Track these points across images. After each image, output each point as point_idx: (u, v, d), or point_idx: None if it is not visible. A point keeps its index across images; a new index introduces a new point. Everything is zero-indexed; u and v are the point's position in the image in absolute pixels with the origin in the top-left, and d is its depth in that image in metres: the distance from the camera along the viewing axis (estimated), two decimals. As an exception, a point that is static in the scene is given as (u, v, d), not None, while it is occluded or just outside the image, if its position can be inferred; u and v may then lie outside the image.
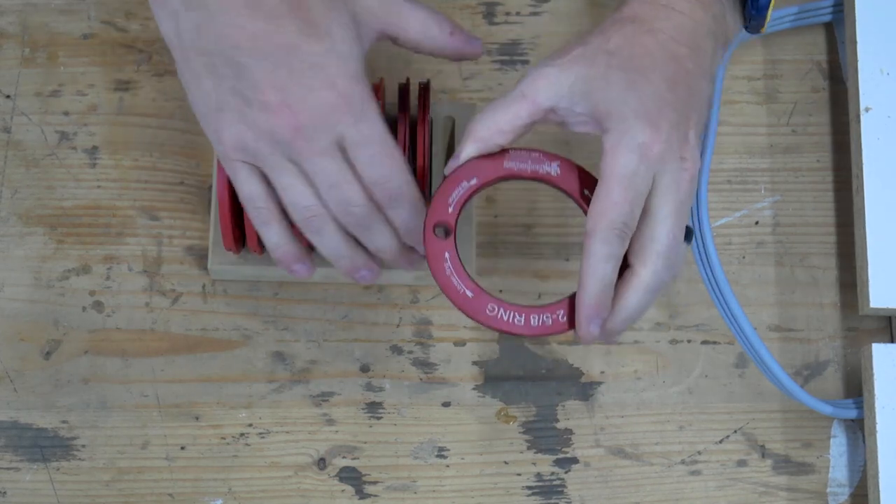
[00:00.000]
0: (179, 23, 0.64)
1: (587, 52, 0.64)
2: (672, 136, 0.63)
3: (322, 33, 0.64)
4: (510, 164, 0.66)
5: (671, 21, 0.66)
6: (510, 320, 0.65)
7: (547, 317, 0.65)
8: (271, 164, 0.65)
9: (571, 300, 0.65)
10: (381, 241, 0.67)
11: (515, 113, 0.64)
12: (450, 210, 0.65)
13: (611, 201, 0.62)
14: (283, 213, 0.67)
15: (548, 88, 0.64)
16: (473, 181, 0.65)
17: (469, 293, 0.65)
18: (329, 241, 0.67)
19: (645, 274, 0.64)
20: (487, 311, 0.65)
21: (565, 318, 0.65)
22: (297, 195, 0.65)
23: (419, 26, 0.67)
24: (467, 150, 0.65)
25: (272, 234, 0.68)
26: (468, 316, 0.65)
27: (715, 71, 0.68)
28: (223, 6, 0.63)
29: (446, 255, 0.65)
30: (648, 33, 0.65)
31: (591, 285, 0.63)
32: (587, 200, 0.65)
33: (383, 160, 0.65)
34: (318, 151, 0.64)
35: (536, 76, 0.65)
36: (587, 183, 0.66)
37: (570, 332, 0.65)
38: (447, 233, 0.65)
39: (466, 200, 0.65)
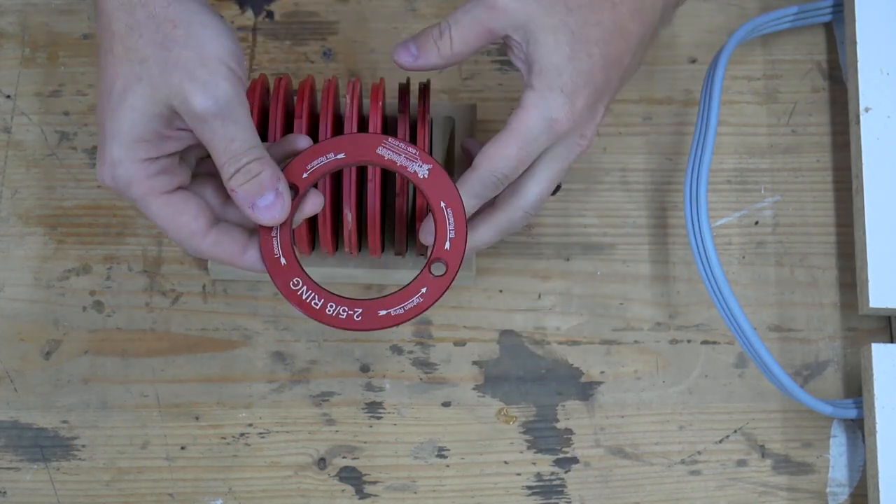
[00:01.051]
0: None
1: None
2: (584, 114, 0.66)
3: (112, 105, 0.61)
4: (382, 152, 0.66)
5: None
6: (308, 300, 0.65)
7: (344, 310, 0.65)
8: None
9: (376, 302, 0.65)
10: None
11: (478, 28, 0.65)
12: (304, 175, 0.65)
13: (504, 153, 0.65)
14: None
15: (511, 13, 0.65)
16: (341, 155, 0.65)
17: (283, 260, 0.65)
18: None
19: (503, 218, 0.69)
20: (291, 285, 0.65)
21: (360, 318, 0.65)
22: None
23: (218, 163, 0.63)
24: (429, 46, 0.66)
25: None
26: (273, 282, 0.64)
27: (657, 34, 0.70)
28: (105, 12, 0.62)
29: None
30: (610, 6, 0.66)
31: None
32: (441, 212, 0.66)
33: (170, 234, 0.65)
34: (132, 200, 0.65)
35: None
36: (449, 196, 0.66)
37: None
38: (293, 195, 0.65)
39: (326, 172, 0.65)
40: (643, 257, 0.80)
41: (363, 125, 0.72)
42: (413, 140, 0.73)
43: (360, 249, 0.75)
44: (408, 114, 0.72)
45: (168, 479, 0.75)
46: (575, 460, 0.76)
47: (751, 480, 0.77)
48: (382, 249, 0.75)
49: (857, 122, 0.80)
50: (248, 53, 0.82)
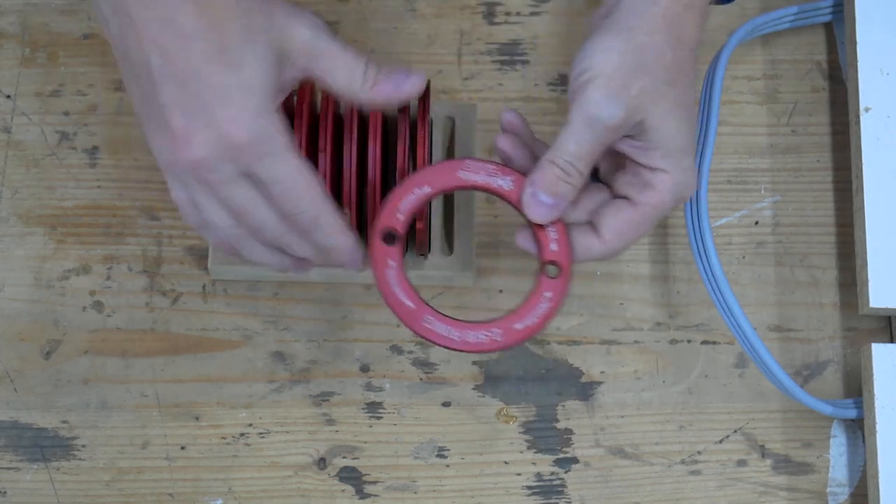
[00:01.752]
0: (110, 27, 0.61)
1: (648, 81, 0.64)
2: (693, 167, 0.66)
3: (232, 61, 0.60)
4: (464, 175, 0.66)
5: (691, 24, 0.65)
6: (446, 334, 0.65)
7: (483, 334, 0.65)
8: (186, 183, 0.62)
9: (508, 319, 0.66)
10: (304, 253, 0.66)
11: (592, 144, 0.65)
12: (399, 217, 0.65)
13: (638, 232, 0.66)
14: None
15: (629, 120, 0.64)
16: (426, 189, 0.66)
17: (409, 303, 0.65)
18: (252, 254, 0.66)
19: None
20: (424, 323, 0.65)
21: (502, 338, 0.65)
22: (212, 216, 0.63)
23: (344, 77, 0.63)
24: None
25: (255, 252, 0.66)
26: (406, 325, 0.65)
27: None
28: (141, 17, 0.59)
29: (390, 262, 0.65)
30: (679, 44, 0.65)
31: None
32: None
33: (292, 193, 0.62)
34: (222, 181, 0.61)
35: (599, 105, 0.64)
36: None
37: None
38: (394, 239, 0.65)
39: (418, 209, 0.66)
40: (643, 257, 0.80)
41: (363, 126, 0.72)
42: (413, 140, 0.73)
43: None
44: (408, 114, 0.72)
45: (168, 479, 0.75)
46: (575, 460, 0.76)
47: (751, 480, 0.77)
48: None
49: (857, 122, 0.80)
50: (248, 53, 0.82)
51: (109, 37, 0.62)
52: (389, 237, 0.65)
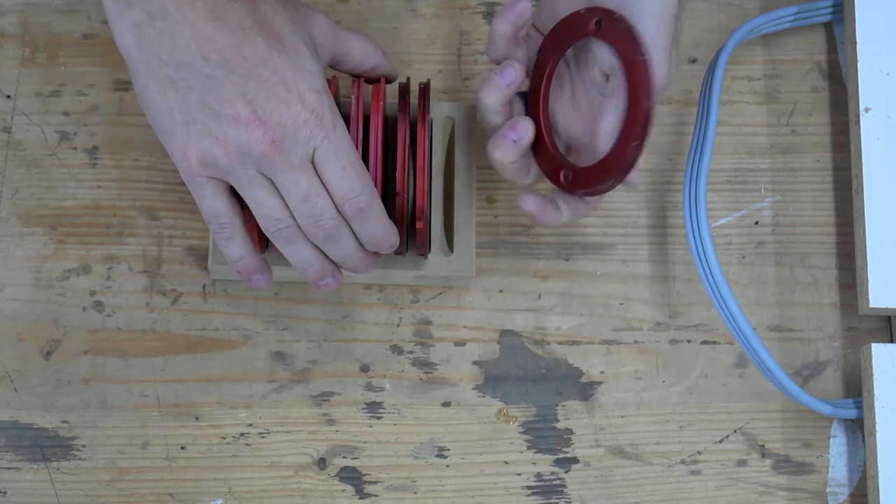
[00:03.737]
0: (143, 34, 0.64)
1: None
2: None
3: (289, 48, 0.65)
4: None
5: None
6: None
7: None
8: (243, 178, 0.65)
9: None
10: (347, 251, 0.68)
11: None
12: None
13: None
14: (244, 226, 0.68)
15: None
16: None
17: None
18: (299, 252, 0.68)
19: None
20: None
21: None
22: (270, 209, 0.66)
23: (361, 50, 0.71)
24: None
25: (235, 248, 0.69)
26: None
27: None
28: (188, 18, 0.63)
29: None
30: None
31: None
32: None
33: (352, 174, 0.66)
34: (292, 166, 0.65)
35: None
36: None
37: None
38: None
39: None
40: (643, 257, 0.80)
41: (365, 124, 0.72)
42: (413, 140, 0.73)
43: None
44: (408, 113, 0.72)
45: (168, 479, 0.75)
46: (575, 460, 0.76)
47: (751, 480, 0.77)
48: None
49: (857, 122, 0.80)
50: (248, 53, 0.82)
51: (132, 46, 0.64)
52: None
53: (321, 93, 0.65)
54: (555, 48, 0.70)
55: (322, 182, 0.66)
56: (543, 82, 0.71)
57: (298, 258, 0.68)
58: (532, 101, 0.71)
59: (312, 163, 0.65)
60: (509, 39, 0.69)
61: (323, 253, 0.69)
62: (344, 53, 0.71)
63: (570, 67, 0.71)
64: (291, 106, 0.64)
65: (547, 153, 0.71)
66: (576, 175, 0.69)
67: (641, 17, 0.66)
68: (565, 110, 0.71)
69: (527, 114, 0.71)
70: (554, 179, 0.70)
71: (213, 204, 0.66)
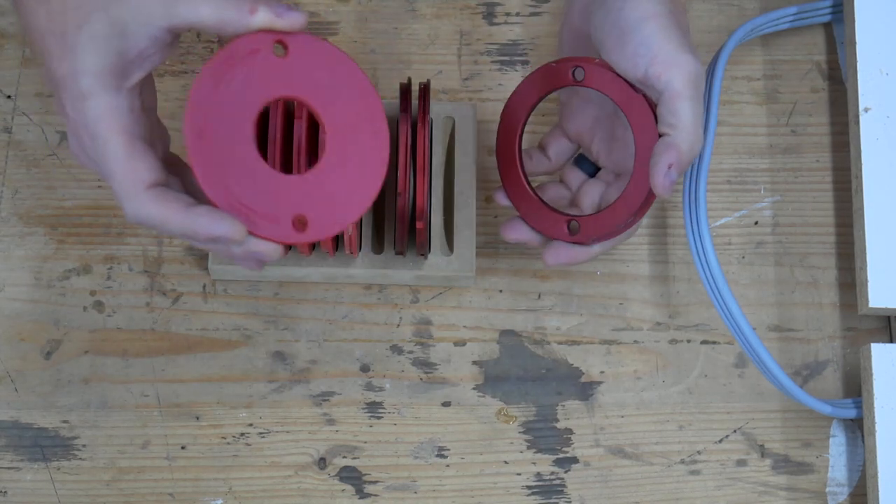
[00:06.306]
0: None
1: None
2: None
3: (67, 48, 0.60)
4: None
5: None
6: None
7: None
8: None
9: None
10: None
11: None
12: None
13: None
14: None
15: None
16: None
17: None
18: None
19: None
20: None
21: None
22: None
23: (212, 12, 0.60)
24: None
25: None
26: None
27: None
28: (29, 25, 0.62)
29: None
30: None
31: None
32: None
33: (103, 172, 0.63)
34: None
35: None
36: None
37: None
38: None
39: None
40: (643, 257, 0.80)
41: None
42: (413, 140, 0.73)
43: (359, 249, 0.75)
44: (408, 114, 0.72)
45: (168, 479, 0.75)
46: (575, 460, 0.76)
47: (750, 480, 0.77)
48: (382, 249, 0.75)
49: (857, 123, 0.80)
50: (249, 53, 0.82)
51: None
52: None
53: (83, 97, 0.60)
54: (524, 105, 0.71)
55: None
56: (516, 141, 0.71)
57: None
58: (507, 161, 0.72)
59: None
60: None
61: None
62: (187, 22, 0.60)
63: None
64: (65, 116, 0.61)
65: (537, 210, 0.71)
66: (585, 223, 0.70)
67: (637, 24, 0.66)
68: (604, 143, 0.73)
69: (500, 174, 0.73)
70: (553, 234, 0.71)
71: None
